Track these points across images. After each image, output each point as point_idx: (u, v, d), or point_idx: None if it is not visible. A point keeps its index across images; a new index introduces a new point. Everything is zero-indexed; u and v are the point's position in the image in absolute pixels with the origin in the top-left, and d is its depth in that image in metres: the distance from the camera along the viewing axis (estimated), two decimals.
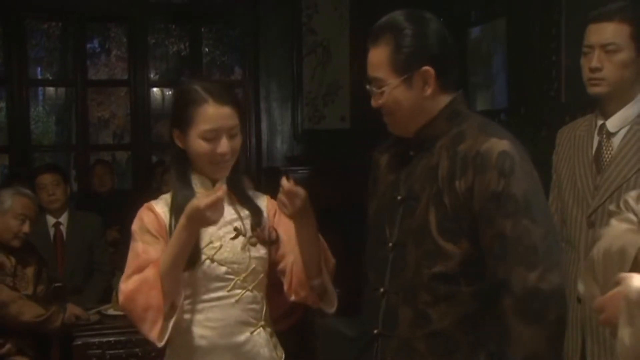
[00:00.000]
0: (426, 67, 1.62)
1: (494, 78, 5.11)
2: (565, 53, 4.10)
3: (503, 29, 4.86)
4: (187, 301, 1.81)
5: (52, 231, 4.11)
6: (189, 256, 1.76)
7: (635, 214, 1.41)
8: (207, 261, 1.80)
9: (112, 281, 3.46)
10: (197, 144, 1.79)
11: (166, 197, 1.88)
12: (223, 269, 1.81)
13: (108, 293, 3.58)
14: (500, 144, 1.56)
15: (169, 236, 1.79)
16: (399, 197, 1.70)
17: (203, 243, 1.80)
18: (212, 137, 1.77)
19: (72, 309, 3.26)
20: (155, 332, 1.73)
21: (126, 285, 1.76)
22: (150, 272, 1.72)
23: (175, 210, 1.81)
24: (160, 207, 1.86)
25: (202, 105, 1.77)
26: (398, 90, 1.64)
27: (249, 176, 3.58)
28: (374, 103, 1.69)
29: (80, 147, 6.19)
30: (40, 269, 3.41)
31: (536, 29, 4.42)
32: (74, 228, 4.13)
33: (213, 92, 1.79)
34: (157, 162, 5.91)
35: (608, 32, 2.06)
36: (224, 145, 1.79)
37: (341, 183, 5.04)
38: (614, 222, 1.43)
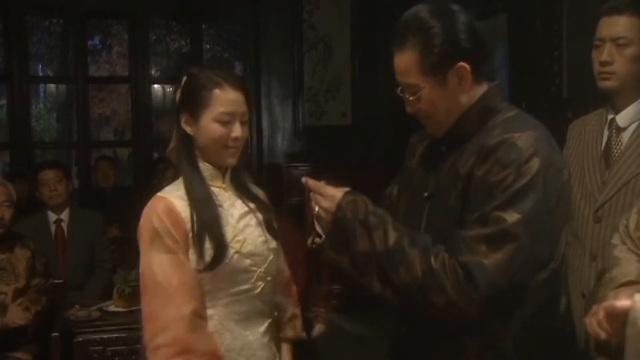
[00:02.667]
0: (460, 64, 1.54)
1: (495, 74, 5.09)
2: (567, 49, 4.09)
3: (504, 24, 4.85)
4: (215, 295, 1.80)
5: (53, 228, 4.11)
6: (219, 251, 1.75)
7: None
8: (236, 255, 1.79)
9: (113, 278, 3.45)
10: (212, 127, 1.78)
11: (177, 190, 1.83)
12: (248, 261, 1.82)
13: (109, 290, 3.57)
14: (515, 137, 1.49)
15: (191, 238, 1.76)
16: (425, 194, 1.66)
17: (229, 237, 1.79)
18: (227, 120, 1.78)
19: (12, 316, 3.20)
20: None
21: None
22: None
23: (194, 203, 1.78)
24: (178, 202, 1.79)
25: (219, 88, 1.78)
26: (433, 92, 1.57)
27: (251, 171, 3.57)
28: (409, 109, 1.62)
29: (82, 143, 6.19)
30: (33, 261, 3.38)
31: (537, 25, 4.41)
32: (75, 225, 4.13)
33: (227, 78, 1.80)
34: (159, 158, 5.91)
35: (619, 26, 2.04)
36: (237, 129, 1.80)
37: (342, 179, 5.03)
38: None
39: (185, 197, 1.80)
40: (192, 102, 1.80)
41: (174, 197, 1.81)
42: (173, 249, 1.74)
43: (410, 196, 1.76)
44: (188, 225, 1.77)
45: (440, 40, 1.53)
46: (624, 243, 1.71)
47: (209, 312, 1.80)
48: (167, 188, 1.85)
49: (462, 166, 1.55)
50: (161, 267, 1.73)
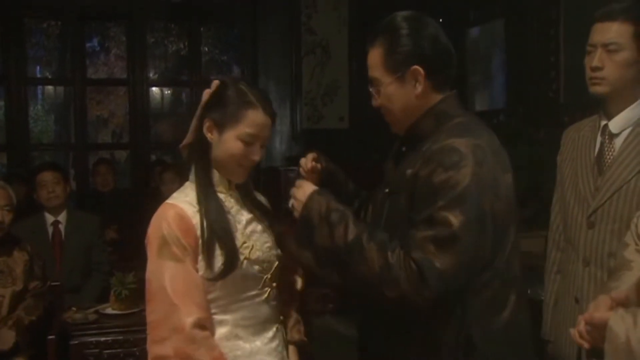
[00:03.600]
0: (416, 66, 1.68)
1: (492, 78, 5.11)
2: (564, 54, 4.11)
3: (501, 29, 4.87)
4: (224, 301, 1.81)
5: (50, 230, 4.10)
6: (229, 259, 1.75)
7: None
8: (245, 261, 1.80)
9: (110, 280, 3.44)
10: (234, 144, 1.78)
11: (185, 196, 1.83)
12: (256, 267, 1.83)
13: (106, 292, 3.57)
14: (455, 142, 1.60)
15: (200, 244, 1.76)
16: (386, 190, 1.78)
17: (238, 243, 1.80)
18: (250, 141, 1.78)
19: (3, 340, 3.16)
20: None
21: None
22: None
23: (205, 210, 1.79)
24: (188, 208, 1.79)
25: (254, 109, 1.78)
26: (391, 87, 1.71)
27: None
28: (373, 103, 1.77)
29: (79, 146, 6.19)
30: (31, 264, 3.36)
31: (534, 30, 4.43)
32: (73, 227, 4.13)
33: (261, 99, 1.80)
34: (156, 161, 5.91)
35: (611, 32, 2.05)
36: (257, 152, 1.81)
37: None
38: None
39: (194, 203, 1.80)
40: (220, 113, 1.79)
41: (183, 203, 1.80)
42: (180, 257, 1.73)
43: (379, 192, 1.87)
44: (198, 232, 1.77)
45: (404, 42, 1.69)
46: (636, 244, 1.72)
47: (220, 317, 1.80)
48: (175, 195, 1.85)
49: (410, 167, 1.66)
50: (168, 275, 1.73)
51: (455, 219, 1.53)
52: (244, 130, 1.77)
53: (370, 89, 1.77)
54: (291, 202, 1.77)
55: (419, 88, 1.69)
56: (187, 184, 1.86)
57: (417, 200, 1.61)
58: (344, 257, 1.61)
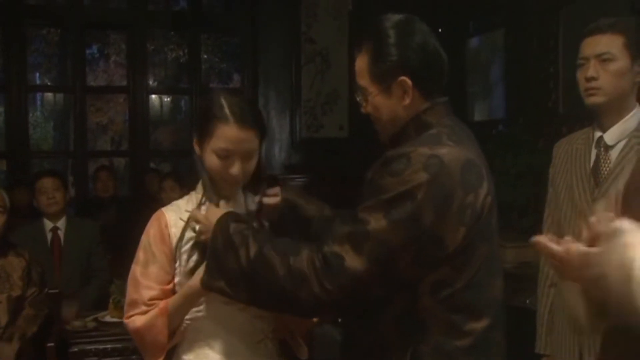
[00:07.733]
0: (403, 78, 1.60)
1: (492, 88, 5.13)
2: (563, 64, 4.13)
3: (501, 40, 4.89)
4: (200, 307, 1.82)
5: (49, 236, 4.10)
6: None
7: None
8: None
9: (110, 288, 3.44)
10: (211, 159, 1.77)
11: (178, 206, 1.86)
12: None
13: (105, 300, 3.57)
14: (411, 150, 1.53)
15: (175, 247, 1.80)
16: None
17: None
18: (225, 155, 1.75)
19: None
20: None
21: (131, 321, 1.80)
22: (159, 320, 1.76)
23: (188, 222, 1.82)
24: (171, 214, 1.83)
25: (224, 123, 1.74)
26: (377, 98, 1.65)
27: None
28: (363, 110, 1.71)
29: (79, 153, 6.19)
30: (29, 271, 3.35)
31: (534, 41, 4.45)
32: (72, 233, 4.13)
33: (238, 112, 1.74)
34: (149, 169, 5.92)
35: (602, 43, 2.08)
36: (236, 167, 1.76)
37: (339, 191, 5.05)
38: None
39: (181, 211, 1.83)
40: (200, 128, 1.79)
41: (170, 211, 1.84)
42: (144, 261, 1.81)
43: None
44: (172, 236, 1.80)
45: (390, 52, 1.61)
46: None
47: (196, 324, 1.82)
48: (174, 202, 1.88)
49: (370, 172, 1.62)
50: (132, 275, 1.83)
51: (374, 220, 1.48)
52: (216, 144, 1.74)
53: (357, 97, 1.71)
54: (198, 227, 1.76)
55: (407, 99, 1.62)
56: (193, 193, 1.88)
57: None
58: (251, 275, 1.59)
